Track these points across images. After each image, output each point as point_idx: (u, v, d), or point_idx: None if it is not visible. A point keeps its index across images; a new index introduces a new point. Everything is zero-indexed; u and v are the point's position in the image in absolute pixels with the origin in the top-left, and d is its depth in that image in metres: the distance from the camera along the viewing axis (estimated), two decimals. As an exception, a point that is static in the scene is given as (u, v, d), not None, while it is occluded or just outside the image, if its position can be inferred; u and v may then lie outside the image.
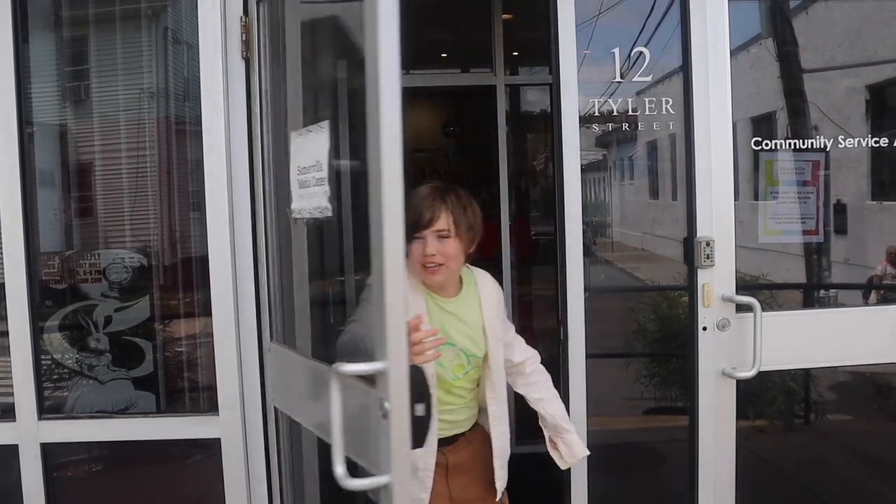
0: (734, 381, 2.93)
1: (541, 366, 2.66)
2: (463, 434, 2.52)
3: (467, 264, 2.49)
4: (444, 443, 2.47)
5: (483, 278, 2.54)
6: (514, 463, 2.62)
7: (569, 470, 2.79)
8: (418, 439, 1.67)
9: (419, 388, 1.71)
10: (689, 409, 2.97)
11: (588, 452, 2.62)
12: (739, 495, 2.96)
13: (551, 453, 2.60)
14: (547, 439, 2.61)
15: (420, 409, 1.70)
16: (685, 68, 2.90)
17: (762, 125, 3.25)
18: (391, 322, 1.54)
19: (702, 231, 2.90)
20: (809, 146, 3.17)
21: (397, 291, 1.54)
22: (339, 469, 1.67)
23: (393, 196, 1.54)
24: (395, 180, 1.54)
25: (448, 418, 2.46)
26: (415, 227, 2.30)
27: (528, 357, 2.63)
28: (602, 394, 3.10)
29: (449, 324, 2.40)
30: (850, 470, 3.45)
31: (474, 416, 2.56)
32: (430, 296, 2.40)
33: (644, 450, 3.42)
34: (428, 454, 2.40)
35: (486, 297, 2.49)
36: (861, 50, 3.33)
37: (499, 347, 2.47)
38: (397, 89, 1.55)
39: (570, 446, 2.57)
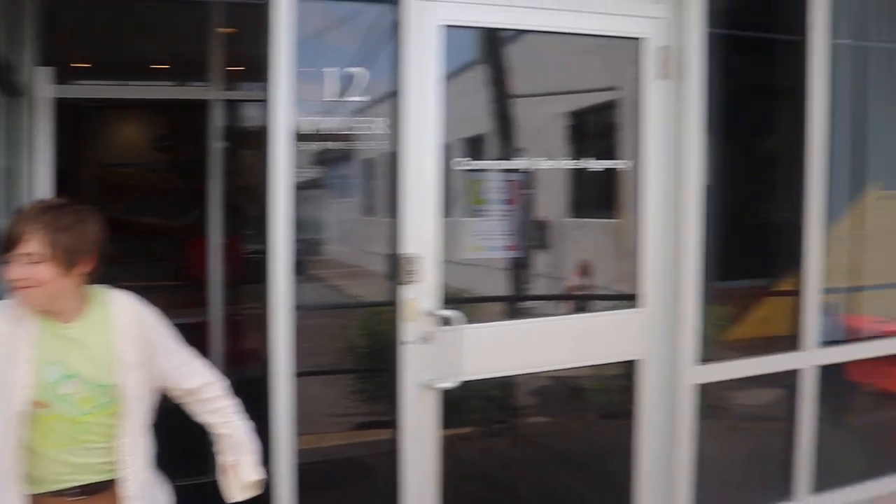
0: (437, 392, 3.04)
1: (226, 391, 2.43)
2: (114, 481, 2.25)
3: (101, 286, 2.28)
4: (82, 491, 2.21)
5: (118, 299, 2.31)
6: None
7: (271, 492, 2.73)
8: None
9: None
10: (394, 421, 3.03)
11: (264, 476, 2.43)
12: (444, 501, 3.07)
13: (225, 482, 2.38)
14: (222, 466, 2.39)
15: None
16: (397, 91, 2.97)
17: (472, 146, 3.40)
18: None
19: (408, 248, 2.98)
20: (514, 167, 3.37)
21: None
22: None
23: None
24: None
25: (85, 460, 2.21)
26: (4, 248, 2.10)
27: (207, 382, 2.39)
28: (313, 412, 3.09)
29: (68, 352, 2.17)
30: (546, 468, 3.68)
31: None
32: (46, 322, 2.18)
33: (353, 465, 3.44)
34: None
35: (118, 319, 2.26)
36: (564, 79, 3.59)
37: (132, 374, 2.23)
38: None
39: (247, 468, 2.38)
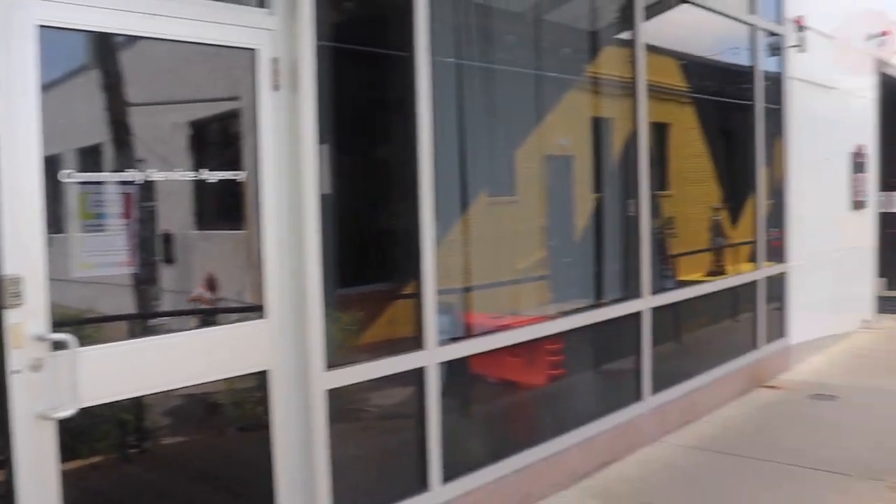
0: (55, 423, 2.84)
1: None
2: None
3: None
4: None
5: None
6: None
7: None
8: None
9: None
10: (7, 460, 2.78)
11: None
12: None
13: None
14: None
15: None
16: (-12, 96, 2.73)
17: (83, 158, 3.20)
18: None
19: (9, 268, 2.75)
20: (132, 179, 3.19)
21: None
22: None
23: None
24: None
25: None
26: None
27: None
28: None
29: None
30: (185, 488, 3.57)
31: None
32: None
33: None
34: None
35: None
36: (183, 88, 3.51)
37: None
38: None
39: None
